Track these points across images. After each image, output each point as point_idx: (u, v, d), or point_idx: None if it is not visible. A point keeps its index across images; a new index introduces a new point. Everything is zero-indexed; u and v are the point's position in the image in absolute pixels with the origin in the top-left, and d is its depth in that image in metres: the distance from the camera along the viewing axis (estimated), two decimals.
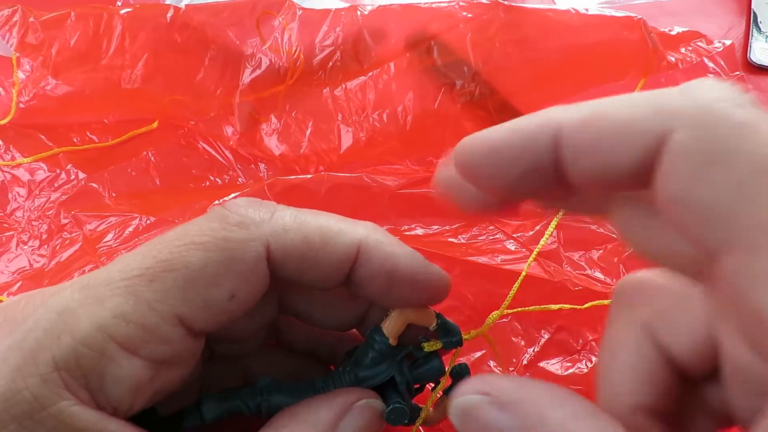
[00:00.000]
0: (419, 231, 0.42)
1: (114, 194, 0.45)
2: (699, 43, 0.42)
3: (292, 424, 0.23)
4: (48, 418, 0.20)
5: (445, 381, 0.28)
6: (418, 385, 0.28)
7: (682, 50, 0.41)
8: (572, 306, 0.34)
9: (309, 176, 0.42)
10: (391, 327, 0.26)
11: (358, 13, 0.44)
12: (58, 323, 0.21)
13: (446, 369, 0.28)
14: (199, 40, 0.47)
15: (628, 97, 0.19)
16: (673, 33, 0.41)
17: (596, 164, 0.20)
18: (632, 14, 0.41)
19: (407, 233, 0.42)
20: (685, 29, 0.42)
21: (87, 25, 0.47)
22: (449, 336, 0.27)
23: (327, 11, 0.45)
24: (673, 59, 0.38)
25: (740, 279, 0.17)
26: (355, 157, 0.44)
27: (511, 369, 0.37)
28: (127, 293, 0.21)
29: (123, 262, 0.22)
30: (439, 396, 0.28)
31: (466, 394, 0.21)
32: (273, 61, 0.46)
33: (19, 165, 0.46)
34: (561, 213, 0.32)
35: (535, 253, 0.35)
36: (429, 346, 0.27)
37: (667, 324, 0.22)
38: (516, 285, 0.31)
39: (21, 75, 0.47)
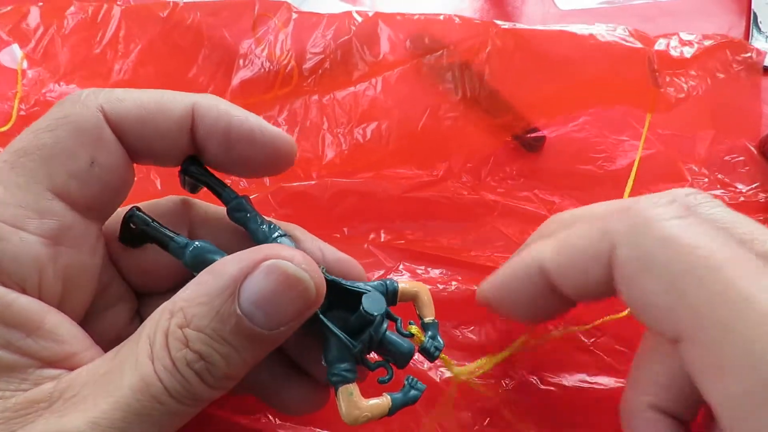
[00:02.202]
0: (420, 233, 0.42)
1: None
2: (726, 53, 0.41)
3: (204, 274, 0.23)
4: None
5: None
6: (375, 357, 0.28)
7: (694, 72, 0.41)
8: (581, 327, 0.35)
9: (312, 182, 0.42)
10: (403, 287, 0.29)
11: (352, 20, 0.44)
12: None
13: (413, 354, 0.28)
14: (194, 37, 0.47)
15: (582, 229, 0.25)
16: (692, 48, 0.40)
17: (576, 283, 0.26)
18: (636, 28, 0.40)
19: (411, 237, 0.41)
20: (712, 40, 0.41)
21: (85, 15, 0.47)
22: (432, 343, 0.29)
23: (321, 16, 0.45)
24: (673, 98, 0.38)
25: (689, 365, 0.21)
26: (344, 165, 0.43)
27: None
28: None
29: None
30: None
31: None
32: (264, 65, 0.45)
33: None
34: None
35: None
36: (416, 331, 0.29)
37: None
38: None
39: (26, 88, 0.46)
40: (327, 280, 0.26)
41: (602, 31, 0.40)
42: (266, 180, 0.43)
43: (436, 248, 0.40)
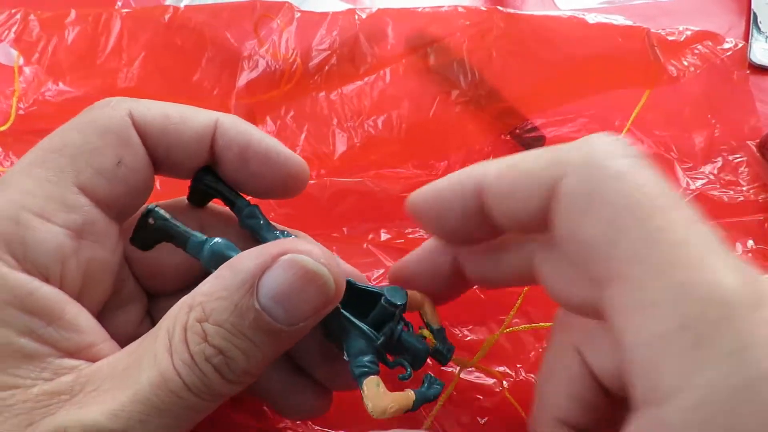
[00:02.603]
0: (419, 234, 0.42)
1: None
2: (709, 44, 0.41)
3: (223, 269, 0.23)
4: None
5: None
6: (392, 357, 0.29)
7: (689, 58, 0.41)
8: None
9: (312, 182, 0.42)
10: (411, 294, 0.29)
11: (356, 16, 0.44)
12: None
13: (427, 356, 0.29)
14: (196, 40, 0.47)
15: (536, 152, 0.24)
16: (682, 37, 0.41)
17: (511, 207, 0.24)
18: (636, 23, 0.40)
19: (410, 236, 0.42)
20: (695, 29, 0.42)
21: (86, 24, 0.47)
22: (443, 346, 0.30)
23: (325, 14, 0.45)
24: (674, 71, 0.38)
25: (611, 309, 0.20)
26: (353, 161, 0.43)
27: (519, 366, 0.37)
28: (25, 176, 0.24)
29: (15, 165, 0.25)
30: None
31: None
32: (270, 63, 0.46)
33: None
34: None
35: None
36: (427, 334, 0.30)
37: (593, 347, 0.25)
38: (515, 307, 0.32)
39: (23, 84, 0.47)
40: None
41: (600, 17, 0.41)
42: None
43: None
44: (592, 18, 0.39)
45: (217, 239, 0.26)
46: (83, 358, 0.23)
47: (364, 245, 0.40)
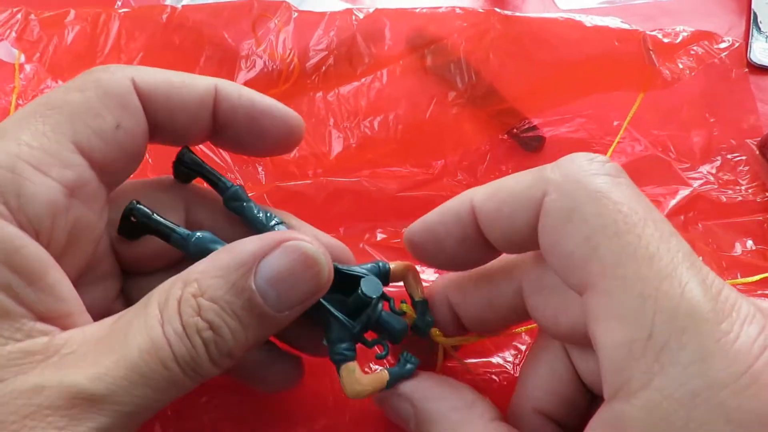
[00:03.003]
0: None
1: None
2: (705, 44, 0.41)
3: (219, 253, 0.24)
4: None
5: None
6: (371, 336, 0.30)
7: (685, 60, 0.40)
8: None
9: (308, 182, 0.43)
10: (393, 267, 0.31)
11: (353, 17, 0.44)
12: None
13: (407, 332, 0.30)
14: (195, 40, 0.47)
15: (520, 173, 0.25)
16: (678, 38, 0.41)
17: (502, 227, 0.25)
18: (633, 25, 0.40)
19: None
20: (691, 29, 0.41)
21: (85, 23, 0.47)
22: (423, 318, 0.31)
23: (322, 14, 0.45)
24: (669, 75, 0.38)
25: (588, 315, 0.22)
26: (349, 161, 0.43)
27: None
28: (22, 128, 0.23)
29: (10, 117, 0.25)
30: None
31: (381, 394, 0.29)
32: (267, 63, 0.46)
33: None
34: None
35: None
36: (407, 308, 0.31)
37: (580, 349, 0.26)
38: None
39: (23, 81, 0.47)
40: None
41: (596, 20, 0.41)
42: (262, 179, 0.44)
43: None
44: (588, 21, 0.38)
45: (200, 234, 0.27)
46: (57, 325, 0.23)
47: (360, 245, 0.41)
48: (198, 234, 0.27)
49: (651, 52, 0.37)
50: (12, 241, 0.22)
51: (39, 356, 0.21)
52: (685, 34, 0.40)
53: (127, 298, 0.29)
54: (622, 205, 0.22)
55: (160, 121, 0.27)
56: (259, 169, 0.45)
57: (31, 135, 0.23)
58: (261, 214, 0.29)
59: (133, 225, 0.28)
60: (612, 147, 0.37)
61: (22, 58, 0.45)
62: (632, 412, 0.20)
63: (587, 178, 0.23)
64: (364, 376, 0.29)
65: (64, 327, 0.23)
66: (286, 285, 0.24)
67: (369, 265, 0.31)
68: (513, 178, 0.26)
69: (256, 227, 0.29)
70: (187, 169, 0.30)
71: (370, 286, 0.29)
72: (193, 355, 0.22)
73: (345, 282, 0.29)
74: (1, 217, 0.22)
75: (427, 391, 0.28)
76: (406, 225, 0.43)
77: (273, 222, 0.29)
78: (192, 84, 0.27)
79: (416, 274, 0.32)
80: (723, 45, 0.41)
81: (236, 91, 0.28)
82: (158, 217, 0.28)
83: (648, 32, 0.41)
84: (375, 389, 0.29)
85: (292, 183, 0.42)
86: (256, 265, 0.23)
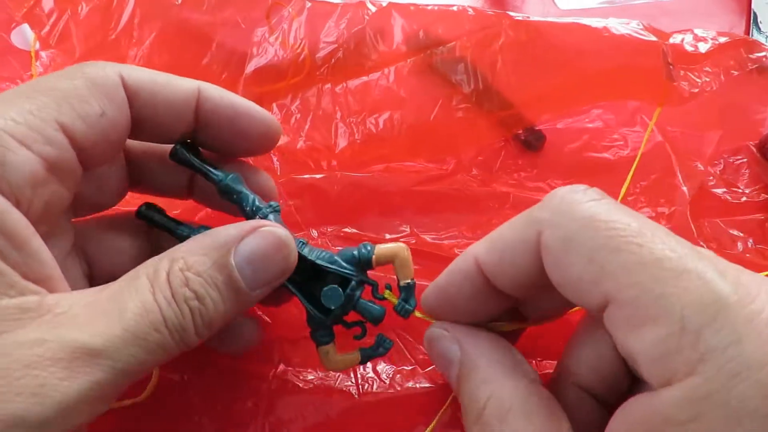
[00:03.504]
0: (430, 227, 0.43)
1: None
2: (741, 51, 0.41)
3: (200, 237, 0.27)
4: None
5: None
6: (348, 318, 0.33)
7: (708, 69, 0.40)
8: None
9: (322, 175, 0.43)
10: (379, 251, 0.32)
11: (366, 10, 0.44)
12: None
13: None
14: (208, 24, 0.47)
15: (512, 220, 0.27)
16: (708, 44, 0.40)
17: (508, 274, 0.27)
18: (651, 38, 0.39)
19: (419, 232, 0.42)
20: (727, 37, 0.41)
21: (99, 2, 0.47)
22: (406, 303, 0.33)
23: (335, 5, 0.45)
24: (687, 91, 0.37)
25: (611, 327, 0.23)
26: (354, 156, 0.44)
27: None
28: (9, 105, 0.24)
29: (4, 93, 0.26)
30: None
31: (435, 329, 0.31)
32: (278, 52, 0.46)
33: None
34: None
35: None
36: (388, 295, 0.33)
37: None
38: None
39: (40, 69, 0.47)
40: (306, 258, 0.32)
41: (616, 24, 0.40)
42: (277, 169, 0.44)
43: (445, 248, 0.41)
44: (605, 29, 0.38)
45: (199, 230, 0.31)
46: (43, 287, 0.24)
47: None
48: (197, 229, 0.32)
49: (670, 66, 0.37)
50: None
51: (33, 313, 0.22)
52: (713, 38, 0.39)
53: (85, 255, 0.31)
54: (614, 222, 0.23)
55: (144, 117, 0.29)
56: (274, 159, 0.46)
57: (17, 112, 0.24)
58: (248, 207, 0.32)
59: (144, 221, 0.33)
60: (633, 166, 0.36)
61: (38, 45, 0.46)
62: (673, 397, 0.21)
63: (573, 207, 0.24)
64: (338, 356, 0.33)
65: (49, 290, 0.24)
66: (260, 264, 0.27)
67: (349, 253, 0.33)
68: (507, 226, 0.27)
69: (246, 216, 0.32)
70: (178, 162, 0.32)
71: (328, 298, 0.32)
72: (181, 321, 0.24)
73: (322, 274, 0.32)
74: None
75: (478, 339, 0.29)
76: (422, 220, 0.44)
77: (258, 215, 0.32)
78: (177, 84, 0.29)
79: (404, 257, 0.33)
80: (759, 54, 0.40)
81: (218, 93, 0.30)
82: (162, 218, 0.33)
83: (673, 35, 0.40)
84: (347, 366, 0.34)
85: (307, 176, 0.43)
86: (235, 246, 0.26)
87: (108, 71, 0.27)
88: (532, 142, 0.45)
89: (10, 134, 0.24)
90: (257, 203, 0.32)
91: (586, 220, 0.24)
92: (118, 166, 0.32)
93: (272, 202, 0.32)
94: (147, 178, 0.33)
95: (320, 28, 0.46)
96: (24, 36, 0.46)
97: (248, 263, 0.26)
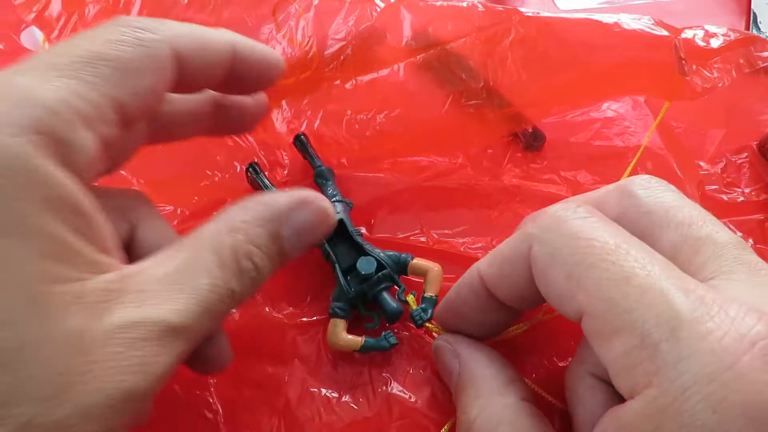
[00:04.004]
0: (440, 223, 0.43)
1: (142, 181, 0.45)
2: (750, 49, 0.41)
3: (254, 204, 0.28)
4: (25, 175, 0.22)
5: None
6: (369, 308, 0.37)
7: (719, 65, 0.40)
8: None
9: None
10: (415, 263, 0.37)
11: (374, 6, 0.44)
12: (26, 98, 0.23)
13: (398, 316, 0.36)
14: (214, 22, 0.47)
15: (511, 237, 0.29)
16: (719, 40, 0.40)
17: (506, 286, 0.30)
18: (663, 33, 0.39)
19: (430, 230, 0.43)
20: (738, 34, 0.40)
21: (106, 2, 0.47)
22: (423, 312, 0.36)
23: (343, 2, 0.45)
24: (699, 86, 0.37)
25: (588, 336, 0.25)
26: (369, 150, 0.44)
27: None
28: (73, 75, 0.24)
29: (56, 49, 0.25)
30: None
31: (440, 340, 0.34)
32: (285, 50, 0.46)
33: None
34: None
35: None
36: (411, 300, 0.36)
37: None
38: None
39: None
40: (349, 233, 0.38)
41: (627, 20, 0.40)
42: (287, 167, 0.45)
43: (456, 246, 0.42)
44: (616, 24, 0.38)
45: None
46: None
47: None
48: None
49: (683, 61, 0.37)
50: (70, 186, 0.23)
51: (114, 293, 0.23)
52: (724, 34, 0.40)
53: None
54: (593, 240, 0.25)
55: (181, 78, 0.28)
56: (284, 155, 0.47)
57: (83, 85, 0.24)
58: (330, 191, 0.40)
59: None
60: (632, 163, 0.37)
61: (47, 46, 0.46)
62: (635, 409, 0.22)
63: (560, 225, 0.26)
64: (344, 333, 0.36)
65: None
66: (305, 235, 0.28)
67: (392, 253, 0.38)
68: (506, 242, 0.29)
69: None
70: (299, 147, 0.42)
71: (363, 264, 0.36)
72: (244, 292, 0.26)
73: (360, 254, 0.37)
74: (60, 163, 0.23)
75: (475, 354, 0.32)
76: (431, 216, 0.44)
77: (333, 199, 0.39)
78: (214, 43, 0.29)
79: (436, 274, 0.37)
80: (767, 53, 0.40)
81: (248, 48, 0.31)
82: (262, 177, 0.42)
83: (685, 30, 0.40)
84: (348, 347, 0.36)
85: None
86: (287, 217, 0.27)
87: (160, 42, 0.27)
88: (531, 142, 0.46)
89: (76, 112, 0.23)
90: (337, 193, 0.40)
91: (569, 237, 0.26)
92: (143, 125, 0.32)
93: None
94: (164, 131, 0.34)
95: (328, 25, 0.46)
96: (33, 37, 0.47)
97: (296, 234, 0.28)
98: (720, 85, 0.38)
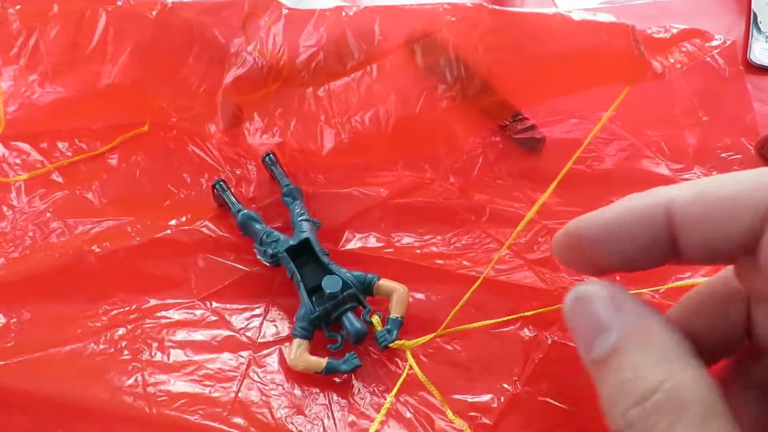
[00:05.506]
0: (408, 240, 0.42)
1: (105, 201, 0.44)
2: (697, 42, 0.40)
3: None
4: None
5: None
6: (332, 328, 0.36)
7: (676, 55, 0.40)
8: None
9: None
10: (381, 283, 0.37)
11: (343, 13, 0.44)
12: None
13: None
14: (184, 37, 0.46)
15: (734, 174, 0.22)
16: (667, 34, 0.40)
17: (707, 235, 0.22)
18: (621, 20, 0.39)
19: (397, 244, 0.42)
20: (682, 27, 0.41)
21: (69, 19, 0.46)
22: (388, 333, 0.35)
23: (312, 11, 0.45)
24: (659, 67, 0.37)
25: None
26: (341, 156, 0.43)
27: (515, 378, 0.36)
28: None
29: None
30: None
31: (593, 287, 0.23)
32: (257, 60, 0.45)
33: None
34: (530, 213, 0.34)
35: (494, 261, 0.37)
36: (375, 321, 0.36)
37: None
38: (469, 291, 0.34)
39: (3, 85, 0.46)
40: (316, 253, 0.38)
41: (585, 15, 0.39)
42: (254, 181, 0.44)
43: (423, 257, 0.41)
44: (577, 15, 0.38)
45: (244, 211, 0.40)
46: None
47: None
48: (243, 211, 0.40)
49: (640, 45, 0.36)
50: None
51: None
52: (674, 30, 0.40)
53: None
54: None
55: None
56: (252, 170, 0.45)
57: None
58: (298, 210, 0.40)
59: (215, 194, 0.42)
60: (591, 135, 0.35)
61: None
62: None
63: None
64: (306, 354, 0.35)
65: None
66: None
67: (358, 273, 0.37)
68: (726, 179, 0.22)
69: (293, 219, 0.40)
70: (268, 167, 0.43)
71: (328, 283, 0.35)
72: None
73: (325, 274, 0.37)
74: None
75: (654, 313, 0.23)
76: (400, 231, 0.44)
77: (300, 218, 0.40)
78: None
79: (402, 295, 0.36)
80: (714, 43, 0.40)
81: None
82: (228, 194, 0.42)
83: (637, 28, 0.39)
84: (309, 369, 0.35)
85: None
86: None
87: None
88: (529, 142, 0.45)
89: None
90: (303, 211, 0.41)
91: None
92: None
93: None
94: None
95: (299, 33, 0.45)
96: None
97: None
98: (679, 67, 0.37)
